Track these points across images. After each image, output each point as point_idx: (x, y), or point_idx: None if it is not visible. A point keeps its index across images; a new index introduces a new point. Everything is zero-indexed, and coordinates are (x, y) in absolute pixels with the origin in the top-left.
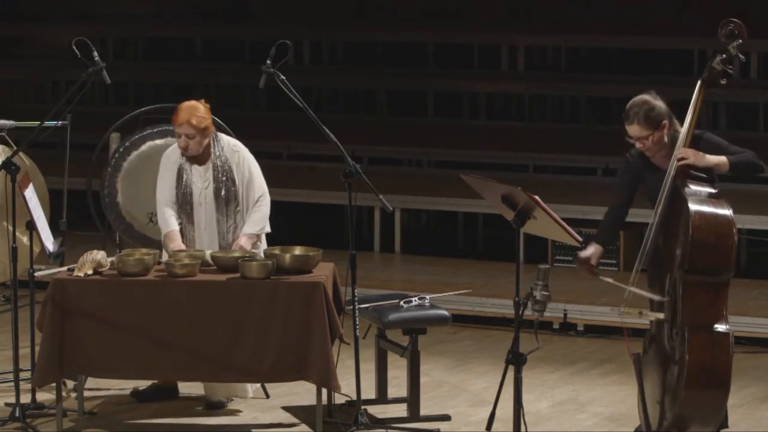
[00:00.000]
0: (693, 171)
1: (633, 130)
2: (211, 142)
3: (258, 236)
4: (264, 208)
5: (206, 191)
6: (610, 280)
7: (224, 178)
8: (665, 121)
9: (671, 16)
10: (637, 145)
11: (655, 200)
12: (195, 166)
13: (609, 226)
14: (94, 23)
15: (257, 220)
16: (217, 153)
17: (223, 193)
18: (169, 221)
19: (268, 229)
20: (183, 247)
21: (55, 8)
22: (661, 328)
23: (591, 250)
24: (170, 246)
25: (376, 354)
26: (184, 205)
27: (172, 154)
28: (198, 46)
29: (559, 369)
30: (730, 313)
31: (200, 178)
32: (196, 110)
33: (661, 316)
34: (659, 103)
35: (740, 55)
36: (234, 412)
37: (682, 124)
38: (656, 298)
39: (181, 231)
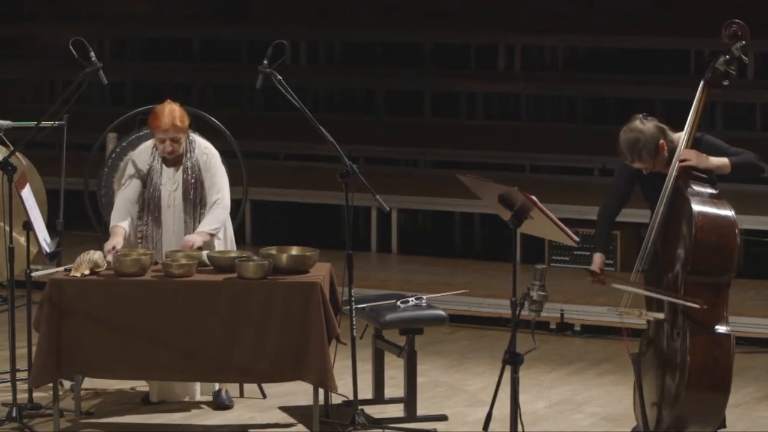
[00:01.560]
0: (694, 172)
1: (637, 166)
2: (186, 143)
3: (211, 236)
4: (218, 210)
5: (175, 193)
6: (619, 286)
7: (193, 180)
8: (661, 142)
9: (668, 16)
10: (644, 171)
11: (653, 201)
12: (165, 168)
13: (605, 231)
14: (91, 23)
15: (211, 220)
16: (189, 155)
17: (191, 195)
18: (116, 216)
19: (221, 234)
20: (119, 244)
21: (52, 8)
22: (660, 329)
23: (597, 262)
24: (108, 242)
25: (373, 354)
26: (152, 208)
27: (142, 154)
28: (195, 47)
29: (556, 369)
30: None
31: (169, 180)
32: (175, 111)
33: (661, 316)
34: (649, 127)
35: (743, 57)
36: (231, 413)
37: (683, 125)
38: (657, 297)
39: (146, 234)
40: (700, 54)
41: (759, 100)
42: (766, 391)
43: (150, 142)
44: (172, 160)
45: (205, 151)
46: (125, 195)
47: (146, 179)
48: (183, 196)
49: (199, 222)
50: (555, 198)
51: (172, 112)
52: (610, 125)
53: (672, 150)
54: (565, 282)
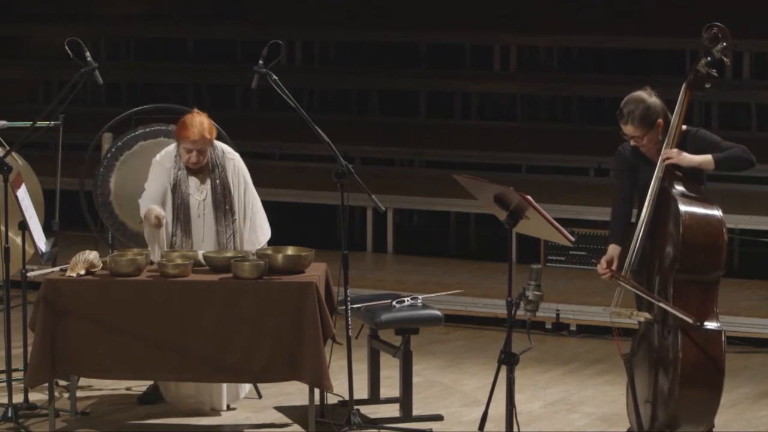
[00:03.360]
0: (680, 172)
1: (627, 129)
2: (211, 153)
3: None
4: (261, 212)
5: (204, 203)
6: (627, 285)
7: (222, 189)
8: (660, 120)
9: (663, 16)
10: (632, 142)
11: (646, 195)
12: (191, 177)
13: (617, 224)
14: (87, 23)
15: (264, 228)
16: (216, 163)
17: (223, 204)
18: (148, 203)
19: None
20: (162, 212)
21: (48, 8)
22: (650, 328)
23: (610, 253)
24: (152, 211)
25: (368, 354)
26: (182, 217)
27: (165, 161)
28: (190, 47)
29: (552, 369)
30: (722, 313)
31: (197, 190)
32: (204, 123)
33: (651, 316)
34: (654, 101)
35: (725, 59)
36: (226, 413)
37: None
38: (661, 305)
39: (176, 244)
40: (696, 54)
41: (754, 100)
42: (760, 391)
43: (171, 148)
44: (197, 169)
45: (230, 156)
46: (150, 195)
47: (172, 186)
48: (214, 205)
49: (231, 229)
50: (550, 198)
51: (201, 123)
52: (605, 125)
53: (664, 137)
54: (560, 282)
